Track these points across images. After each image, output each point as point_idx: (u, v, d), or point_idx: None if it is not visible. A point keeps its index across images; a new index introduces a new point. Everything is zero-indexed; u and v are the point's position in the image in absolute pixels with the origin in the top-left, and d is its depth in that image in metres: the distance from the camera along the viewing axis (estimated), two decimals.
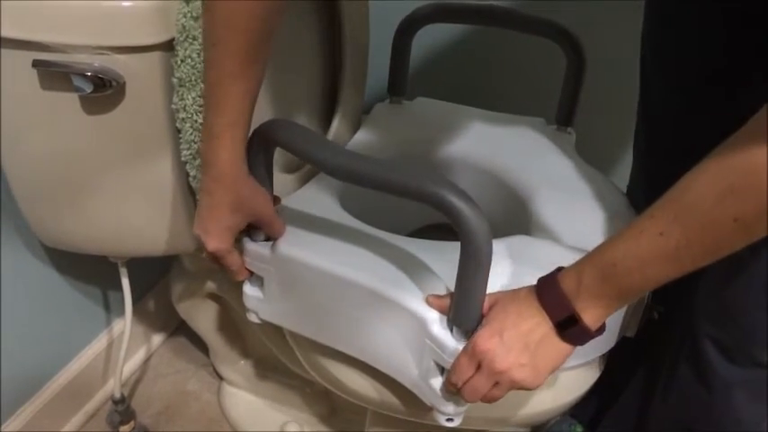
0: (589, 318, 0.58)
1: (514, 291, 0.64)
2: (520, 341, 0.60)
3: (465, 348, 0.63)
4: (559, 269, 0.61)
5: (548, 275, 0.62)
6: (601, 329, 0.60)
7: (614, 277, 0.56)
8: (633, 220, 0.55)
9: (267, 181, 0.72)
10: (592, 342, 0.59)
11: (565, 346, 0.61)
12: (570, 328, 0.59)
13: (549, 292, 0.60)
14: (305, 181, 0.90)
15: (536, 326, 0.60)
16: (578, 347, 0.62)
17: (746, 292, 0.70)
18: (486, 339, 0.61)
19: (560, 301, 0.59)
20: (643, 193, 0.90)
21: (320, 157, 0.66)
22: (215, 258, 0.72)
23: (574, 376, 0.79)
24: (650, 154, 0.89)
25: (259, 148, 0.69)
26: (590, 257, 0.58)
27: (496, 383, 0.62)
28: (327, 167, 0.66)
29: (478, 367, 0.62)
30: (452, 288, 0.70)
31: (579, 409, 0.97)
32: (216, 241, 0.70)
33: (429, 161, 1.00)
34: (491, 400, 0.64)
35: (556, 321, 0.60)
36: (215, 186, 0.66)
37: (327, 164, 0.66)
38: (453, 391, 0.66)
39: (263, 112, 0.82)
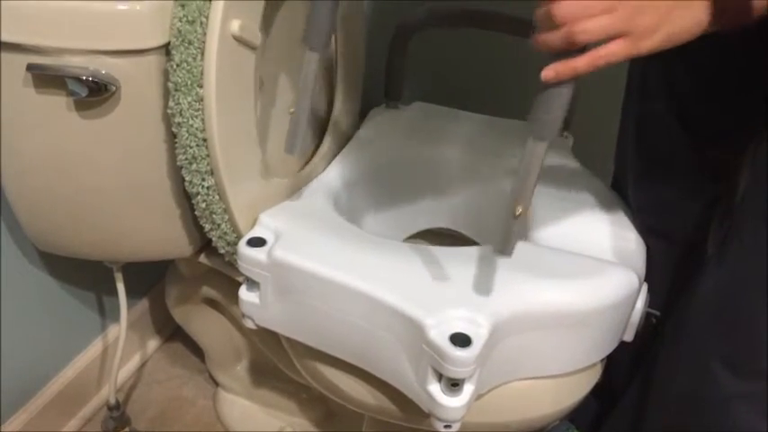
0: None
1: None
2: None
3: None
4: None
5: None
6: (755, 16, 0.51)
7: None
8: None
9: None
10: (591, 345, 0.58)
11: (703, 16, 0.51)
12: None
13: None
14: (300, 186, 0.90)
15: None
16: (575, 353, 0.61)
17: (754, 301, 0.69)
18: None
19: None
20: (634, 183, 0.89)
21: None
22: None
23: (573, 381, 0.78)
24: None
25: None
26: None
27: (607, 12, 0.50)
28: None
29: None
30: (450, 293, 0.70)
31: (578, 414, 0.96)
32: None
33: (425, 166, 1.00)
34: (580, 32, 0.50)
35: None
36: None
37: None
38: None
39: (261, 114, 0.82)
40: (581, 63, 0.53)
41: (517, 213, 0.58)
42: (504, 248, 0.62)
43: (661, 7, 0.51)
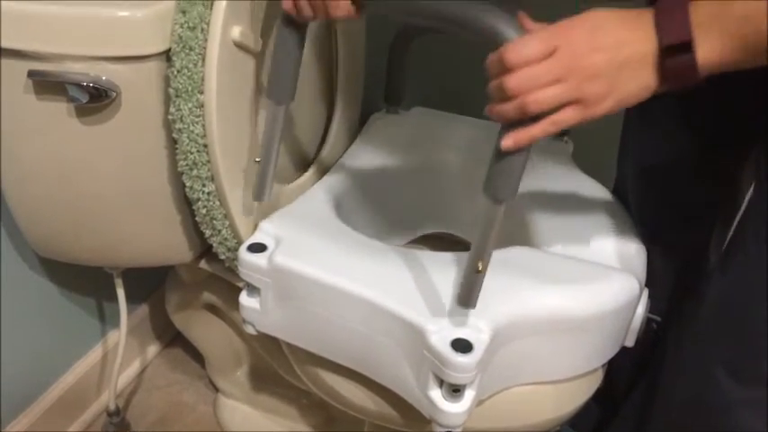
0: (704, 52, 0.51)
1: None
2: (611, 49, 0.52)
3: (542, 29, 0.54)
4: None
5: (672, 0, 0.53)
6: (702, 77, 0.53)
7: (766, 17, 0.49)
8: None
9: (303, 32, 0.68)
10: (592, 350, 0.58)
11: (651, 81, 0.53)
12: (678, 56, 0.52)
13: (671, 11, 0.52)
14: (301, 192, 0.90)
15: (636, 40, 0.52)
16: (576, 359, 0.61)
17: (758, 308, 0.69)
18: (574, 28, 0.53)
19: (682, 23, 0.51)
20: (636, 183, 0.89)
21: None
22: None
23: (574, 386, 0.78)
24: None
25: None
26: None
27: (557, 82, 0.52)
28: None
29: (546, 56, 0.53)
30: (450, 299, 0.70)
31: (579, 420, 0.96)
32: None
33: (426, 171, 1.00)
34: (532, 103, 0.53)
35: (666, 44, 0.52)
36: None
37: None
38: (496, 69, 0.54)
39: (261, 119, 0.82)
40: (536, 130, 0.54)
41: (479, 269, 0.61)
42: (469, 301, 0.64)
43: (609, 76, 0.53)
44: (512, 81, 0.52)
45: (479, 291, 0.64)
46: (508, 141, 0.55)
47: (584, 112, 0.54)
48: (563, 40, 0.53)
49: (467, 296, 0.64)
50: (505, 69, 0.53)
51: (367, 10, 0.62)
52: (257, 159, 0.73)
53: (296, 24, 0.66)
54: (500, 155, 0.56)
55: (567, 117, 0.54)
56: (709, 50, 0.51)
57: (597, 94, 0.53)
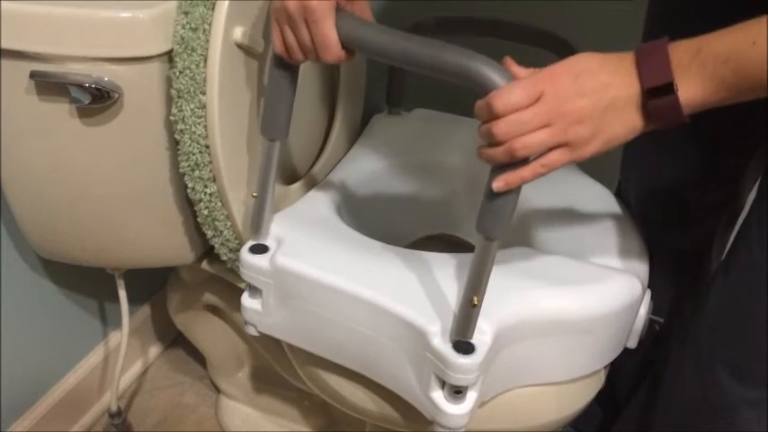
0: (686, 93, 0.52)
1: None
2: (595, 93, 0.54)
3: (528, 76, 0.55)
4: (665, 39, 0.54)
5: (652, 42, 0.54)
6: (686, 117, 0.54)
7: (745, 57, 0.50)
8: None
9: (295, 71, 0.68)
10: (595, 352, 0.58)
11: (637, 122, 0.54)
12: (661, 98, 0.53)
13: (651, 54, 0.53)
14: (304, 193, 0.90)
15: (619, 83, 0.54)
16: (578, 360, 0.61)
17: (761, 309, 0.69)
18: (559, 74, 0.54)
19: (662, 65, 0.52)
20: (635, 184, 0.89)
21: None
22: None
23: (576, 388, 0.78)
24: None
25: None
26: (720, 34, 0.52)
27: (544, 127, 0.54)
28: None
29: (532, 102, 0.54)
30: (453, 300, 0.70)
31: (581, 422, 0.96)
32: None
33: (428, 172, 1.00)
34: (520, 149, 0.54)
35: (648, 87, 0.53)
36: None
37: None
38: (485, 116, 0.55)
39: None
40: (526, 173, 0.56)
41: (474, 303, 0.62)
42: (466, 334, 0.65)
43: (594, 120, 0.54)
44: (499, 127, 0.54)
45: (476, 323, 0.65)
46: (499, 183, 0.56)
47: (572, 154, 0.55)
48: (548, 85, 0.54)
49: (463, 329, 0.65)
50: (493, 116, 0.54)
51: (355, 54, 0.63)
52: (254, 194, 0.74)
53: (287, 65, 0.67)
54: (491, 195, 0.57)
55: (556, 159, 0.55)
56: (692, 90, 0.52)
57: (583, 137, 0.54)
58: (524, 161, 0.55)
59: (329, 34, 0.61)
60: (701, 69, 0.52)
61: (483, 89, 0.55)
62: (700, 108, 0.53)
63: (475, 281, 0.62)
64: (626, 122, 0.55)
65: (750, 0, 0.55)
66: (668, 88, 0.52)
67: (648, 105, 0.53)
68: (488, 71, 0.55)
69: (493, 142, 0.55)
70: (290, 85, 0.68)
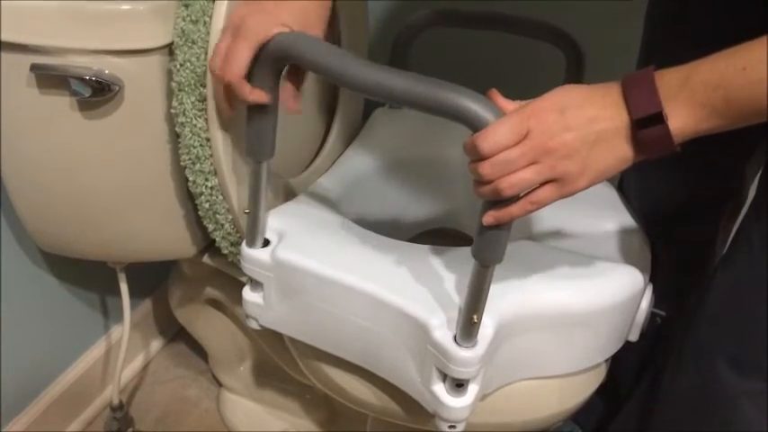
0: (676, 122, 0.52)
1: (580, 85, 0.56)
2: (582, 127, 0.53)
3: (513, 113, 0.54)
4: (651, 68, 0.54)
5: (637, 72, 0.54)
6: (678, 145, 0.53)
7: (735, 83, 0.50)
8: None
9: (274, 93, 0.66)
10: (596, 345, 0.58)
11: (627, 153, 0.54)
12: (651, 128, 0.52)
13: (638, 84, 0.53)
14: (304, 186, 0.90)
15: (606, 116, 0.53)
16: (580, 353, 0.61)
17: (762, 303, 0.69)
18: (545, 110, 0.53)
19: (650, 96, 0.52)
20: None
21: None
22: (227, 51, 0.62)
23: (578, 381, 0.78)
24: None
25: (267, 62, 0.63)
26: (708, 60, 0.51)
27: (531, 164, 0.53)
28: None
29: (519, 140, 0.53)
30: (454, 294, 0.70)
31: (583, 416, 0.96)
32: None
33: (429, 166, 1.00)
34: (507, 188, 0.54)
35: (636, 118, 0.52)
36: None
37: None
38: (472, 156, 0.55)
39: None
40: (515, 210, 0.55)
41: (474, 321, 0.63)
42: (467, 343, 0.65)
43: (582, 154, 0.53)
44: (485, 168, 0.53)
45: (477, 335, 0.65)
46: (489, 219, 0.56)
47: (562, 190, 0.55)
48: (534, 121, 0.53)
49: (466, 341, 0.65)
50: (480, 157, 0.53)
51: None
52: (246, 211, 0.73)
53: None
54: (483, 228, 0.57)
55: (545, 196, 0.55)
56: (682, 119, 0.52)
57: (572, 172, 0.54)
58: (514, 197, 0.55)
59: (242, 53, 0.60)
60: (690, 97, 0.51)
61: (472, 126, 0.54)
62: (691, 136, 0.53)
63: (473, 302, 0.62)
64: (616, 154, 0.54)
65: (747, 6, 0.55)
66: (658, 118, 0.52)
67: (638, 136, 0.53)
68: (474, 106, 0.54)
69: (481, 181, 0.54)
70: (273, 108, 0.66)
